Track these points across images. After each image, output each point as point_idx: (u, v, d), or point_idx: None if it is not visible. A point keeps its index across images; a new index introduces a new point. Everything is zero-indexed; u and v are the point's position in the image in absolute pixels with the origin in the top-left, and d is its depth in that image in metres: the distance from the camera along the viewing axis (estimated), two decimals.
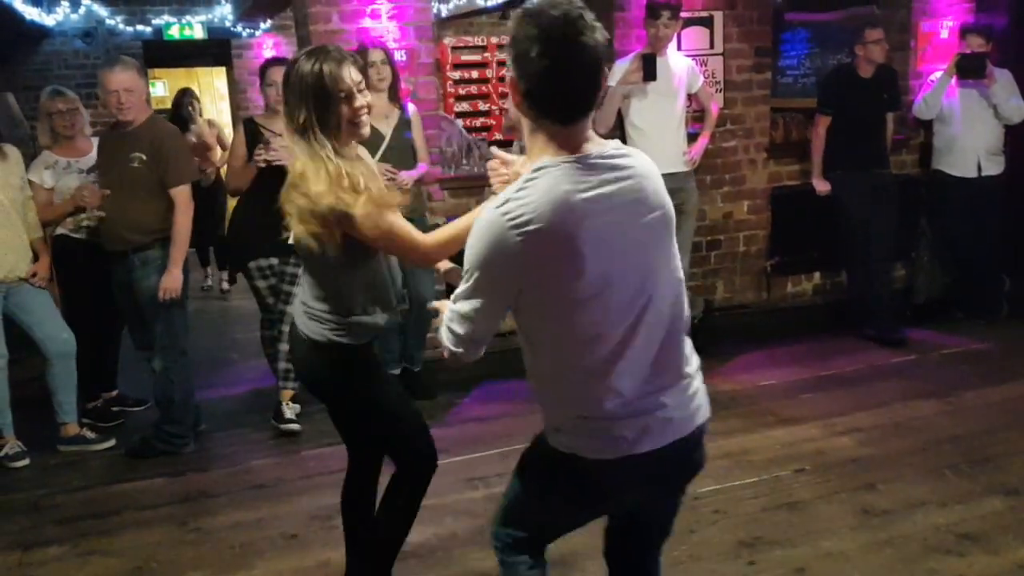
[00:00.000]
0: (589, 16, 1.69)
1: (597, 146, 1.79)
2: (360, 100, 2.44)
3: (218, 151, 7.15)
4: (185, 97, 7.24)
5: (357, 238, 2.38)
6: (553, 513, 2.12)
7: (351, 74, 2.42)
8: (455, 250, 2.24)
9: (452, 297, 1.90)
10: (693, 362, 1.97)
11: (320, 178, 2.33)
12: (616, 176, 1.77)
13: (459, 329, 1.87)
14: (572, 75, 1.70)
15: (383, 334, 4.76)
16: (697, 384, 1.96)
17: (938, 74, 5.86)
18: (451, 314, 1.89)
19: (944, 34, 6.17)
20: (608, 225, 1.75)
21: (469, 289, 1.82)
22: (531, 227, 1.69)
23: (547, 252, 1.71)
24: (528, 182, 1.72)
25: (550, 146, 1.76)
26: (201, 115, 7.35)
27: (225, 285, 7.86)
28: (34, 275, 4.31)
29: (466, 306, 1.84)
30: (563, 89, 1.71)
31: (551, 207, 1.69)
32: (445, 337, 1.92)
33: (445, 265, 2.57)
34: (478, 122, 8.67)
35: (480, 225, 1.76)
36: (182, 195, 4.20)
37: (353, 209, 2.31)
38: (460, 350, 1.90)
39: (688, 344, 1.96)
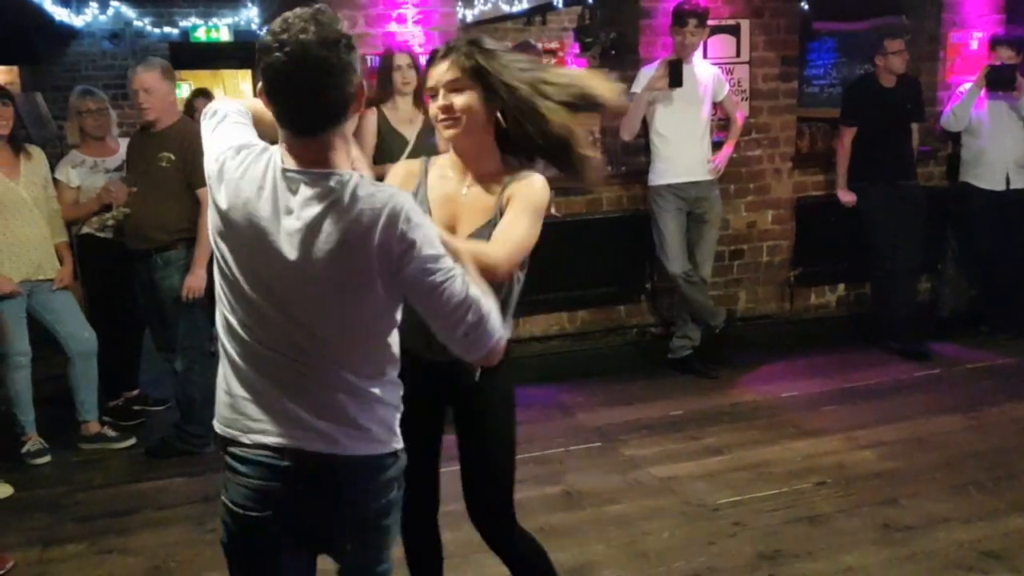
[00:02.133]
0: (296, 33, 1.63)
1: (334, 170, 1.70)
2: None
3: None
4: (196, 99, 6.14)
5: None
6: None
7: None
8: None
9: None
10: None
11: None
12: (302, 200, 1.70)
13: None
14: (280, 90, 1.68)
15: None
16: None
17: (967, 86, 5.80)
18: None
19: (974, 45, 6.12)
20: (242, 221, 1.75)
21: None
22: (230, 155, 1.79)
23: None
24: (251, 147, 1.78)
25: (286, 155, 1.73)
26: None
27: None
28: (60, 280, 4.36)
29: None
30: (277, 103, 1.70)
31: (242, 159, 1.76)
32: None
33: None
34: None
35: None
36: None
37: None
38: None
39: None
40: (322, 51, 1.63)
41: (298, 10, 1.66)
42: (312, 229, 1.69)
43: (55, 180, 4.51)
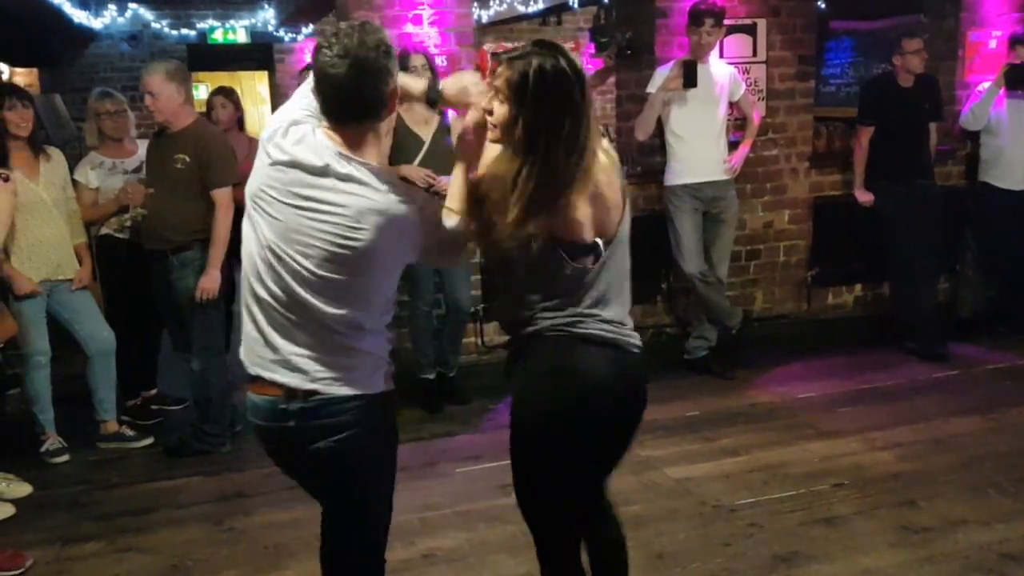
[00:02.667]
0: (343, 37, 1.93)
1: (354, 157, 1.99)
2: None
3: None
4: (214, 98, 5.48)
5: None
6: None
7: None
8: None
9: None
10: None
11: None
12: (327, 183, 1.98)
13: None
14: (320, 89, 1.98)
15: (420, 337, 4.82)
16: None
17: (986, 84, 5.75)
18: None
19: (992, 44, 6.08)
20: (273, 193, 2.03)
21: None
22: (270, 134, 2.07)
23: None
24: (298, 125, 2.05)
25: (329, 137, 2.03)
26: (243, 128, 5.57)
27: None
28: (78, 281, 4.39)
29: None
30: (322, 94, 1.99)
31: (281, 131, 2.04)
32: None
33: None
34: None
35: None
36: (223, 196, 4.23)
37: None
38: None
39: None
40: (362, 52, 1.92)
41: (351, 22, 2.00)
42: (339, 203, 1.96)
43: (74, 181, 4.54)
